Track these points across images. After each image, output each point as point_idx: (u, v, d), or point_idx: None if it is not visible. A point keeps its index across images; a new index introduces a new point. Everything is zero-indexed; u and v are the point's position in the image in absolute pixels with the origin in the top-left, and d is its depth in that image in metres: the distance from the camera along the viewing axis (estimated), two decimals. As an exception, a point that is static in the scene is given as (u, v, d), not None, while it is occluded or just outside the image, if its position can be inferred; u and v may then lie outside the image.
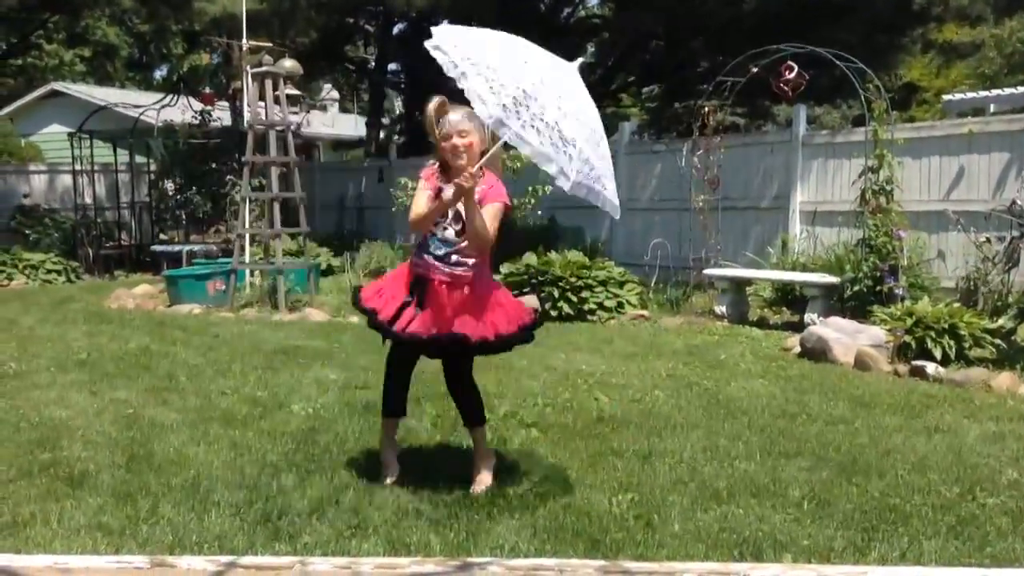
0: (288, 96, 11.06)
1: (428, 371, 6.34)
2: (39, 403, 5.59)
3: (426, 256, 3.88)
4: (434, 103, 3.82)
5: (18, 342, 7.90)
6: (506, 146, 3.67)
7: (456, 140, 3.78)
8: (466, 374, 4.07)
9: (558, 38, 17.75)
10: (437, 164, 3.95)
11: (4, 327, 8.87)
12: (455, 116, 3.79)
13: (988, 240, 7.78)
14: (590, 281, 9.28)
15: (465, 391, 4.09)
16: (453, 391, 4.12)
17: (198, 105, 15.87)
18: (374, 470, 4.19)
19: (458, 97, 3.57)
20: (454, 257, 3.85)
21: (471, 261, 3.87)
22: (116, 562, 2.24)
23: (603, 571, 2.27)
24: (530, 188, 10.86)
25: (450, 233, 3.87)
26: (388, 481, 4.00)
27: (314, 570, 2.19)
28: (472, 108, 3.51)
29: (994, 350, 6.62)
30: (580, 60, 3.76)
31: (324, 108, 28.49)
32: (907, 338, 6.68)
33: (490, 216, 3.79)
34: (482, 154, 3.79)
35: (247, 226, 10.92)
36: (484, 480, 3.96)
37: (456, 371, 4.06)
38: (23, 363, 6.89)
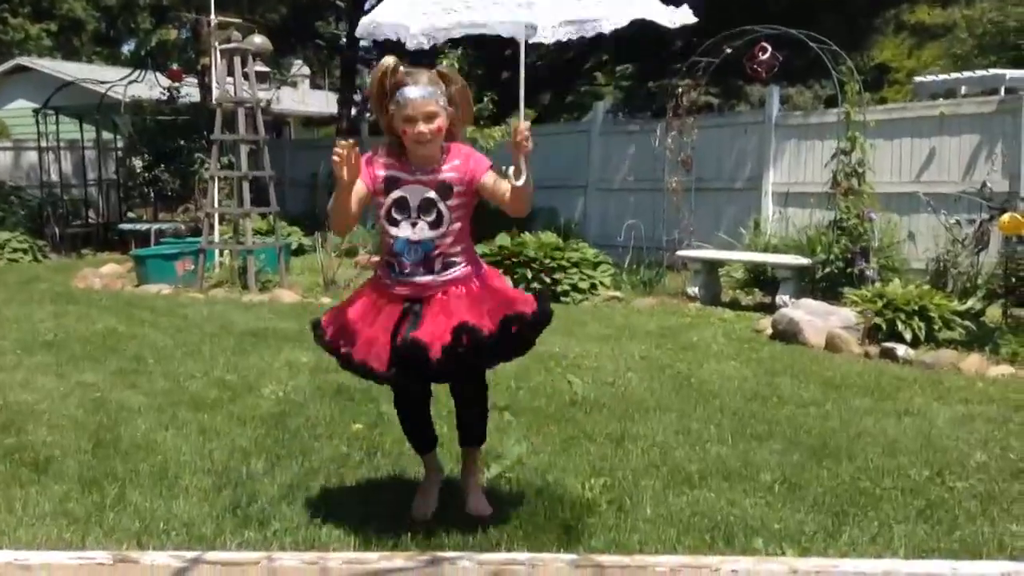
0: (257, 73, 10.91)
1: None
2: (4, 386, 5.49)
3: (406, 275, 3.16)
4: (386, 65, 3.05)
5: (-18, 323, 7.77)
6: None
7: (422, 127, 3.04)
8: (483, 377, 3.36)
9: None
10: (384, 147, 3.21)
11: (-32, 307, 8.72)
12: (416, 92, 3.02)
13: (958, 222, 7.84)
14: (563, 263, 9.25)
15: (480, 400, 3.38)
16: (464, 400, 3.38)
17: (166, 81, 15.63)
18: (345, 456, 4.17)
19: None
20: (438, 262, 3.17)
21: (460, 252, 3.22)
22: (77, 558, 2.20)
23: (574, 565, 2.25)
24: (503, 167, 10.80)
25: (424, 230, 3.14)
26: (417, 515, 3.37)
27: (281, 566, 2.16)
28: (430, 72, 3.07)
29: (964, 332, 6.67)
30: None
31: (295, 84, 28.17)
32: (877, 320, 6.73)
33: (501, 181, 3.18)
34: (449, 132, 3.15)
35: (216, 205, 10.79)
36: (483, 507, 3.41)
37: (472, 379, 3.32)
38: (-13, 345, 6.78)
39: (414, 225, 3.13)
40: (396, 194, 3.15)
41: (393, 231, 3.15)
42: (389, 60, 3.06)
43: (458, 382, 3.32)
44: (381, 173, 3.16)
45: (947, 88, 12.58)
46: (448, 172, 3.16)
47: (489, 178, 3.20)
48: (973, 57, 25.01)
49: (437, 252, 3.16)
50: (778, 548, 3.19)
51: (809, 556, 3.08)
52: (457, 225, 3.19)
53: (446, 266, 3.18)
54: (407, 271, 3.16)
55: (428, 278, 3.16)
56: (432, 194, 3.14)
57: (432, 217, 3.14)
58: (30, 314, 8.24)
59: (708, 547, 3.20)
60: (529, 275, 9.07)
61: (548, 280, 9.07)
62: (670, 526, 3.37)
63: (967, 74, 13.32)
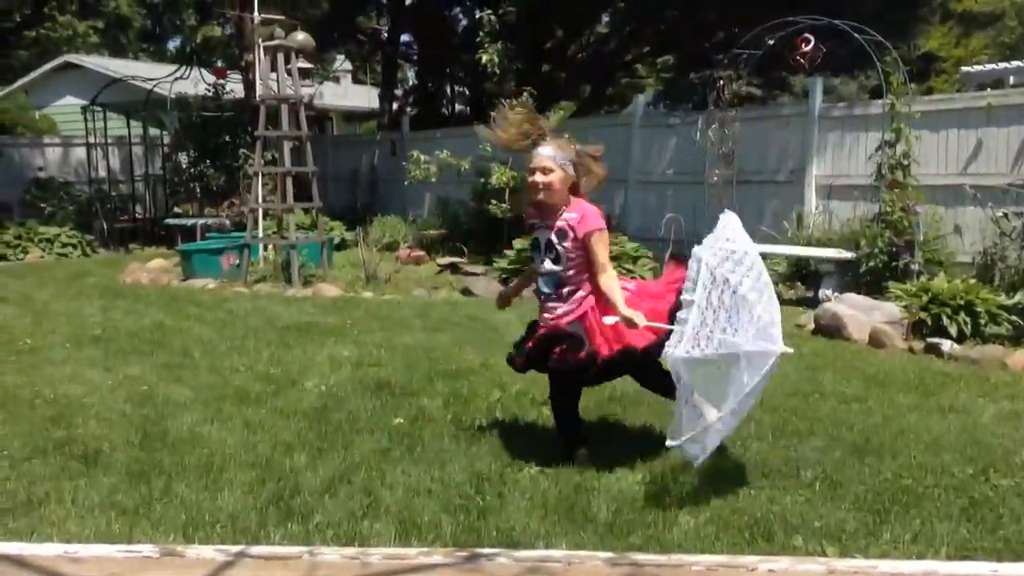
0: (300, 69, 11.00)
1: (438, 348, 6.35)
2: (54, 379, 5.63)
3: (543, 300, 3.99)
4: (521, 115, 3.95)
5: (33, 317, 7.95)
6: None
7: (537, 177, 3.82)
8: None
9: (571, 6, 17.56)
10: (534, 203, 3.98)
11: (20, 301, 8.92)
12: (540, 149, 3.84)
13: (1005, 215, 7.70)
14: (603, 256, 9.22)
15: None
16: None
17: (211, 78, 15.83)
18: (386, 450, 4.21)
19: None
20: (565, 292, 3.89)
21: (581, 283, 3.89)
22: (126, 551, 2.26)
23: (611, 563, 2.26)
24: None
25: (548, 264, 3.90)
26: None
27: (323, 560, 2.19)
28: (563, 142, 3.94)
29: (1010, 327, 6.56)
30: None
31: (337, 79, 28.38)
32: (922, 315, 6.63)
33: (600, 249, 3.82)
34: (571, 189, 3.89)
35: (260, 200, 10.92)
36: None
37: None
38: (38, 338, 6.94)
39: (543, 261, 3.92)
40: (534, 236, 4.01)
41: (534, 264, 4.06)
42: (522, 112, 3.99)
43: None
44: (530, 223, 4.05)
45: (995, 78, 12.36)
46: (563, 221, 3.86)
47: (595, 244, 3.84)
48: (1022, 45, 24.52)
49: (563, 284, 3.88)
50: (818, 546, 3.18)
51: (848, 556, 3.07)
52: (576, 263, 3.86)
53: (572, 294, 3.88)
54: (543, 296, 3.96)
55: (557, 303, 3.90)
56: (552, 236, 3.88)
57: (553, 255, 3.87)
58: (79, 308, 8.41)
59: (747, 544, 3.20)
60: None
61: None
62: (709, 523, 3.37)
63: (1015, 63, 13.07)
